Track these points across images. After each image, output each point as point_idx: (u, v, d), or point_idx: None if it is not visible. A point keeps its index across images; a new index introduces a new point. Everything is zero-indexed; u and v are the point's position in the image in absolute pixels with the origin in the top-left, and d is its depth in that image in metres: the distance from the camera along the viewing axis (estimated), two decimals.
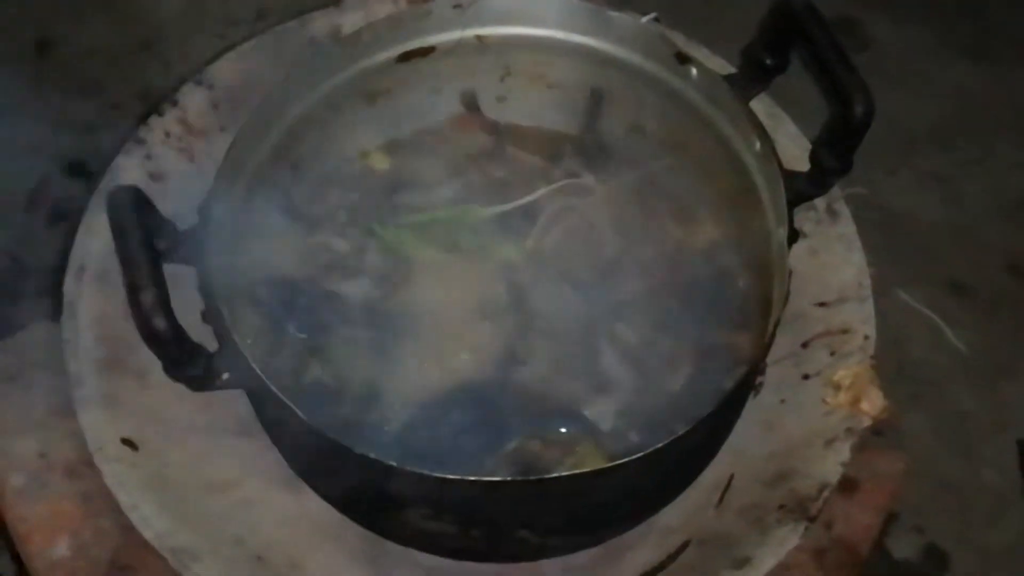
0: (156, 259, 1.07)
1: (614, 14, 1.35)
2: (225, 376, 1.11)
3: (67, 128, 2.45)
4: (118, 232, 1.08)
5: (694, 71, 1.31)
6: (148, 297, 1.03)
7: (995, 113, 2.59)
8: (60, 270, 2.20)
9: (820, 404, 1.27)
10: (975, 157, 2.53)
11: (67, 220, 2.33)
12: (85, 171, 2.40)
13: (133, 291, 1.04)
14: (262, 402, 1.16)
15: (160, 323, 1.04)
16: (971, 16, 2.73)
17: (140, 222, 1.09)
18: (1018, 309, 2.33)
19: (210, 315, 1.14)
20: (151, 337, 1.04)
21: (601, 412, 1.26)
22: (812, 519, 1.19)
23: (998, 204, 2.47)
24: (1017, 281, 2.36)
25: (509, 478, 1.11)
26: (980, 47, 2.67)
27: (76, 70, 2.57)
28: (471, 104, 1.47)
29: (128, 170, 1.38)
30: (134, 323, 1.05)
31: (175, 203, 1.35)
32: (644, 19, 1.41)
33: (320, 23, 1.49)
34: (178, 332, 1.05)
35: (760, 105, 1.37)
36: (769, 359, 1.29)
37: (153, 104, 1.45)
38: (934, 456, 2.15)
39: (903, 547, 2.06)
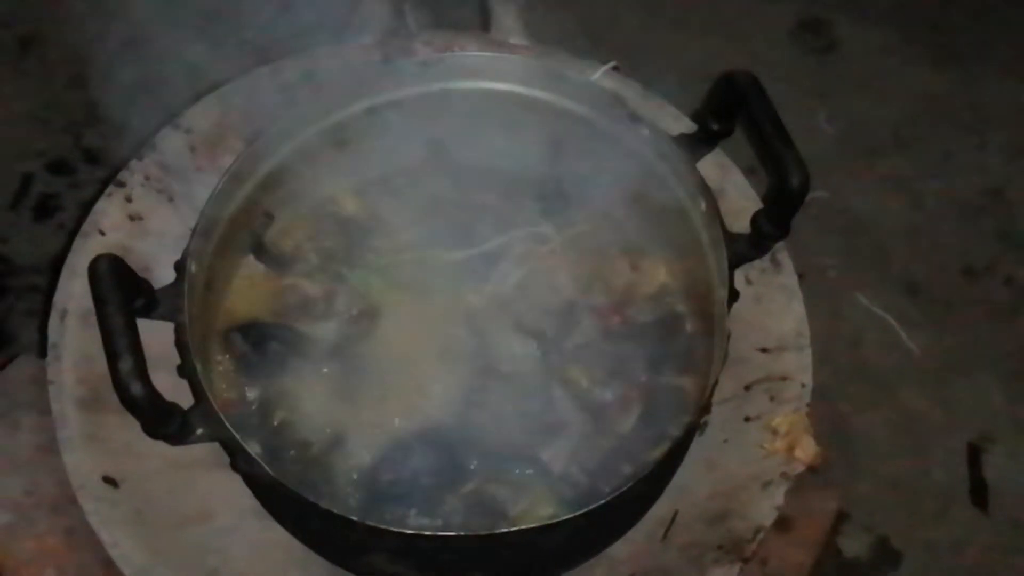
0: (133, 325, 1.15)
1: (572, 74, 1.42)
2: (199, 431, 1.19)
3: (51, 125, 2.49)
4: (98, 301, 1.15)
5: (645, 131, 1.38)
6: (125, 365, 1.11)
7: (956, 117, 2.63)
8: (45, 267, 2.28)
9: (759, 447, 1.35)
10: (935, 160, 2.57)
11: (52, 217, 2.39)
12: (69, 168, 2.44)
13: (111, 358, 1.12)
14: (234, 453, 1.24)
15: (136, 389, 1.11)
16: (935, 20, 2.77)
17: (117, 289, 1.16)
18: (970, 311, 2.38)
19: (186, 371, 1.21)
20: (128, 402, 1.12)
21: (554, 455, 1.34)
22: (747, 560, 1.27)
23: (956, 207, 2.52)
24: (970, 283, 2.42)
25: (463, 533, 1.18)
26: (943, 51, 2.71)
27: (59, 66, 2.60)
28: (436, 150, 1.53)
29: (109, 213, 1.45)
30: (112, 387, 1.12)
31: (155, 243, 1.43)
32: (603, 69, 1.48)
33: (293, 69, 1.55)
34: (153, 396, 1.13)
35: (710, 156, 1.43)
36: (714, 399, 1.37)
37: (133, 149, 1.50)
38: (885, 455, 2.21)
39: (854, 545, 2.13)
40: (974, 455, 2.22)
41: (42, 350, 1.40)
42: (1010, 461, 2.21)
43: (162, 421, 1.16)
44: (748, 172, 1.54)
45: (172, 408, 1.16)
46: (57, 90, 2.56)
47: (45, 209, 2.40)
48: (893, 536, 2.14)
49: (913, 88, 2.66)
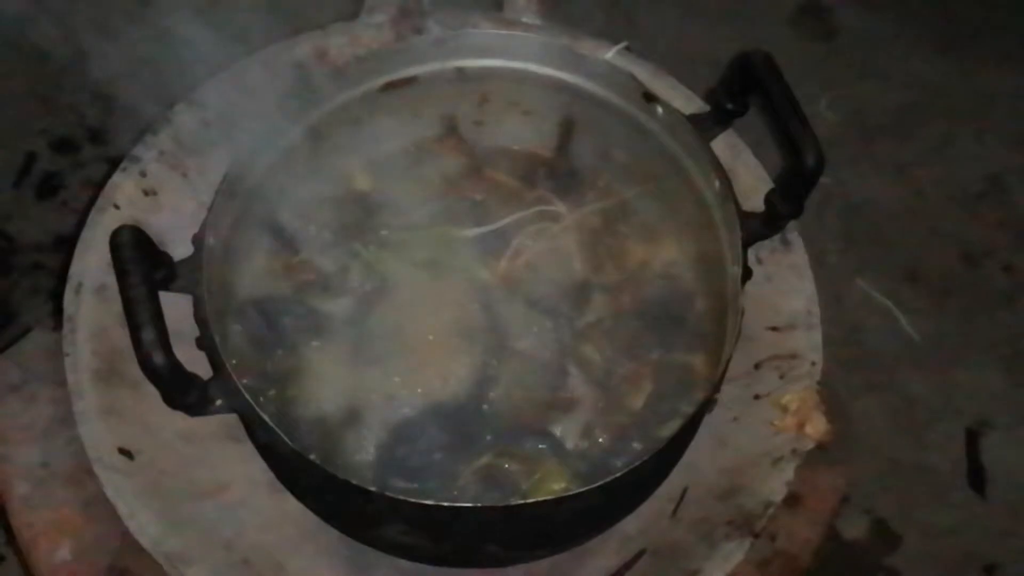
0: (155, 296, 1.16)
1: (586, 53, 1.43)
2: (218, 403, 1.20)
3: (54, 103, 2.50)
4: (120, 272, 1.16)
5: (660, 109, 1.39)
6: (148, 335, 1.12)
7: (956, 103, 2.66)
8: (49, 245, 2.29)
9: (769, 424, 1.36)
10: (935, 147, 2.60)
11: (55, 195, 2.40)
12: (72, 147, 2.45)
13: (134, 329, 1.13)
14: (252, 424, 1.25)
15: (159, 359, 1.12)
16: (937, 6, 2.79)
17: (139, 260, 1.17)
18: (969, 297, 2.42)
19: (204, 343, 1.22)
20: (151, 372, 1.13)
21: (566, 430, 1.35)
22: (757, 535, 1.29)
23: (955, 193, 2.55)
24: (969, 269, 2.45)
25: (478, 504, 1.20)
26: (944, 38, 2.74)
27: (61, 43, 2.60)
28: (450, 127, 1.54)
29: (123, 187, 1.45)
30: (134, 358, 1.13)
31: (169, 217, 1.44)
32: (615, 48, 1.49)
33: (306, 46, 1.56)
34: (175, 366, 1.14)
35: (722, 136, 1.44)
36: (724, 378, 1.38)
37: (146, 125, 1.50)
38: (884, 440, 2.24)
39: (853, 527, 2.16)
40: (972, 440, 2.25)
41: (56, 323, 1.41)
42: (1008, 446, 2.24)
43: (182, 392, 1.16)
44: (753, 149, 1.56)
45: (192, 379, 1.17)
46: (60, 67, 2.55)
47: (48, 187, 2.41)
48: (891, 519, 2.17)
49: (914, 74, 2.69)
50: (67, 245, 1.44)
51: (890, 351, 2.34)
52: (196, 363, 1.23)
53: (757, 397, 1.39)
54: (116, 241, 1.18)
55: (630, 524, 1.36)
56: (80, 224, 1.45)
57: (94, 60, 2.56)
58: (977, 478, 2.21)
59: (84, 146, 2.47)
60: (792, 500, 1.36)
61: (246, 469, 1.37)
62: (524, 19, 1.59)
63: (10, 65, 2.51)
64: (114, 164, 1.50)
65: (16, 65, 2.52)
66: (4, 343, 1.48)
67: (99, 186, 1.48)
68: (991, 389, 2.30)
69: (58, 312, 1.40)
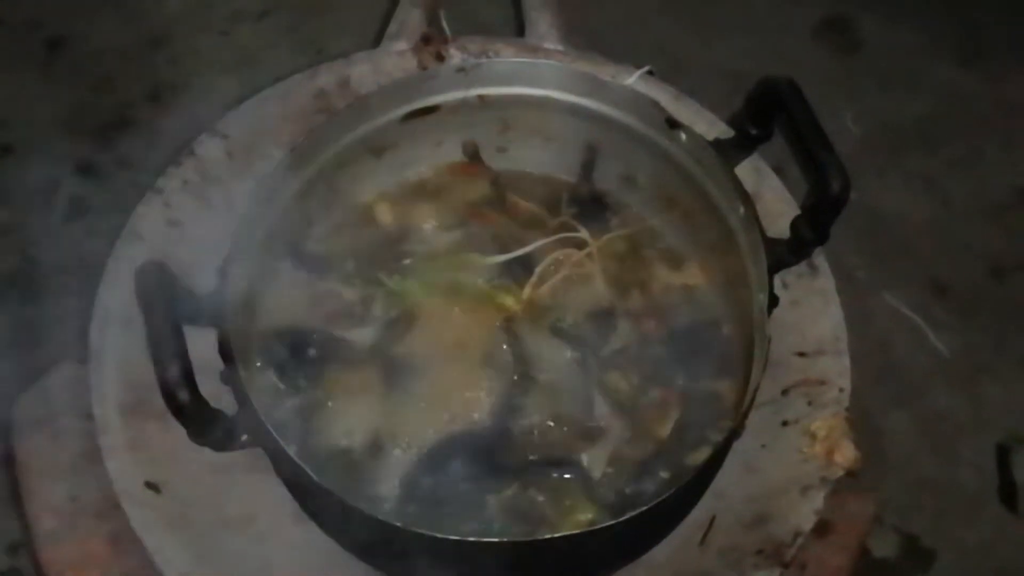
0: (180, 332, 1.16)
1: (608, 79, 1.42)
2: (244, 438, 1.20)
3: (80, 128, 2.51)
4: (145, 310, 1.16)
5: (683, 135, 1.39)
6: (172, 374, 1.12)
7: (983, 114, 2.64)
8: (75, 269, 2.29)
9: (797, 452, 1.35)
10: (962, 158, 2.59)
11: (81, 219, 2.41)
12: (98, 171, 2.46)
13: (159, 365, 1.13)
14: (278, 459, 1.25)
15: (184, 396, 1.12)
16: (961, 17, 2.77)
17: (163, 297, 1.17)
18: (998, 311, 2.40)
19: (229, 379, 1.22)
20: (176, 410, 1.13)
21: (593, 459, 1.35)
22: (786, 565, 1.27)
23: (983, 205, 2.53)
24: (998, 283, 2.43)
25: (505, 539, 1.19)
26: (970, 48, 2.72)
27: (87, 68, 2.62)
28: (472, 154, 1.54)
29: (148, 217, 1.46)
30: (160, 393, 1.13)
31: (193, 248, 1.45)
32: (637, 73, 1.49)
33: (328, 75, 1.56)
34: (200, 403, 1.14)
35: (747, 160, 1.44)
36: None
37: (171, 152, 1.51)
38: (914, 456, 2.23)
39: (884, 545, 2.15)
40: (1003, 456, 2.23)
41: (82, 355, 1.41)
42: None
43: (208, 428, 1.17)
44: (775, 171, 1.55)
45: (217, 415, 1.17)
46: (85, 93, 2.58)
47: (75, 212, 2.42)
48: (922, 536, 2.15)
49: (939, 86, 2.67)
50: (93, 271, 1.44)
51: (919, 366, 2.32)
52: (222, 397, 1.24)
53: (785, 424, 1.38)
54: (140, 279, 1.19)
55: (658, 552, 1.35)
56: (106, 251, 1.45)
57: (120, 83, 2.60)
58: (1008, 494, 2.19)
59: (110, 171, 2.48)
60: (822, 527, 1.35)
61: (272, 500, 1.36)
62: (546, 44, 1.58)
63: (36, 89, 2.53)
64: (140, 189, 1.50)
65: (42, 89, 2.53)
66: (30, 371, 1.48)
67: (125, 211, 1.49)
68: (1021, 403, 2.28)
69: (84, 343, 1.40)
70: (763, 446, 1.38)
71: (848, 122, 2.56)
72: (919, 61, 2.71)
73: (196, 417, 1.14)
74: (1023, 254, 2.45)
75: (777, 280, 1.37)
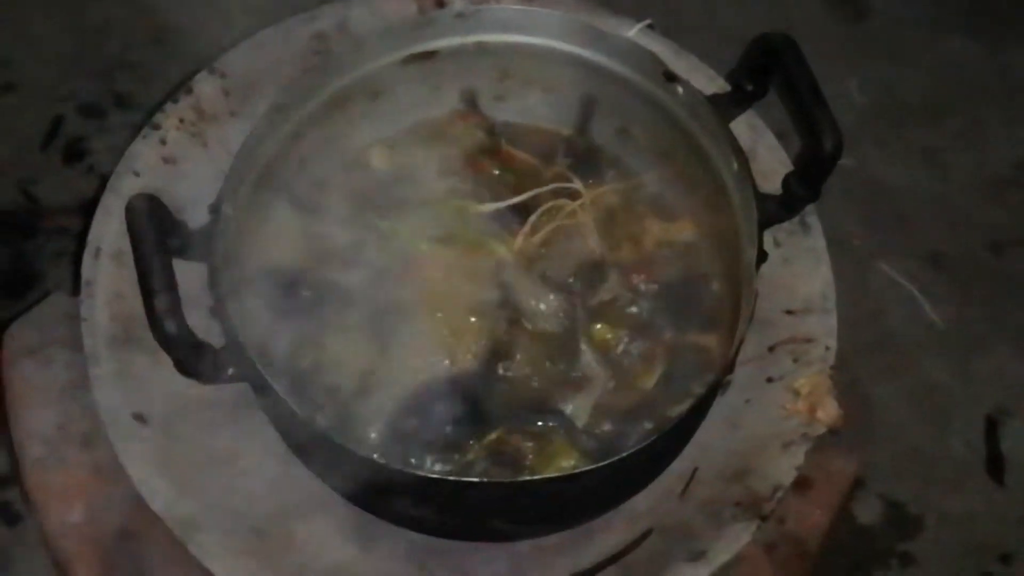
0: (169, 264, 1.16)
1: (608, 31, 1.42)
2: (230, 371, 1.21)
3: (82, 68, 2.50)
4: (135, 240, 1.17)
5: (680, 89, 1.39)
6: (161, 304, 1.13)
7: (986, 88, 2.63)
8: (74, 209, 2.30)
9: (780, 408, 1.36)
10: (964, 131, 2.57)
11: (82, 159, 2.41)
12: (99, 112, 2.46)
13: (147, 296, 1.14)
14: (263, 392, 1.25)
15: (171, 327, 1.13)
16: None
17: (154, 229, 1.18)
18: (995, 285, 2.39)
19: (218, 312, 1.23)
20: (163, 340, 1.14)
21: (577, 408, 1.35)
22: (765, 518, 1.29)
23: (984, 179, 2.52)
24: (996, 257, 2.43)
25: (486, 479, 1.20)
26: (975, 21, 2.70)
27: (90, 9, 2.61)
28: (470, 101, 1.54)
29: (143, 155, 1.46)
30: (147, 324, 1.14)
31: (187, 186, 1.45)
32: (638, 26, 1.48)
33: (327, 17, 1.55)
34: (187, 334, 1.15)
35: (743, 117, 1.44)
36: (738, 360, 1.38)
37: (170, 90, 1.51)
38: (903, 425, 2.22)
39: (868, 512, 2.15)
40: (992, 428, 2.23)
41: (75, 288, 1.42)
42: None
43: (195, 359, 1.17)
44: (777, 136, 1.55)
45: (204, 347, 1.18)
46: (89, 34, 2.57)
47: (75, 152, 2.42)
48: (907, 505, 2.16)
49: (944, 58, 2.65)
50: (92, 210, 1.44)
51: (912, 337, 2.32)
52: (211, 331, 1.24)
53: (770, 380, 1.39)
54: (131, 209, 1.19)
55: (639, 502, 1.36)
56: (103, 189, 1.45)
57: (122, 25, 2.58)
58: (996, 466, 2.20)
59: (111, 111, 2.47)
60: (803, 484, 1.37)
61: (258, 438, 1.37)
62: None
63: (39, 28, 2.52)
64: (140, 130, 1.51)
65: (45, 28, 2.53)
66: (26, 306, 1.49)
67: (124, 152, 1.49)
68: (1013, 377, 2.28)
69: (78, 277, 1.40)
70: (747, 401, 1.39)
71: (853, 91, 2.55)
72: (926, 32, 2.68)
73: (183, 348, 1.15)
74: (1021, 229, 2.44)
75: (769, 237, 1.37)
